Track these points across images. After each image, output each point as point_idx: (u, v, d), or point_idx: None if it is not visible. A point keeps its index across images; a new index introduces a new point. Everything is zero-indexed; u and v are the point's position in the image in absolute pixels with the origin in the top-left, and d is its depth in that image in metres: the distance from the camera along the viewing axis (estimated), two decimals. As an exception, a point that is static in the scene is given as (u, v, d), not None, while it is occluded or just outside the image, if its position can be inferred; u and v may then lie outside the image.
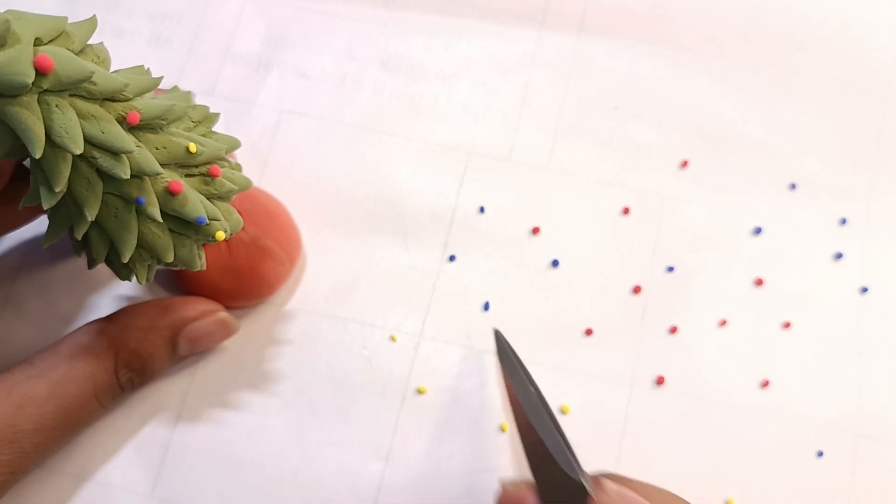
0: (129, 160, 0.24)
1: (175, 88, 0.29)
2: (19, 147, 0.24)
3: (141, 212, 0.26)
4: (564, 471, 0.25)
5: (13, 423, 0.28)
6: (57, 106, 0.23)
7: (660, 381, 0.36)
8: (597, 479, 0.25)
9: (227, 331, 0.34)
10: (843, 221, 0.39)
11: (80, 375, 0.30)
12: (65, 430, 0.30)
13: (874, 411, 0.36)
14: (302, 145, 0.39)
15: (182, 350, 0.33)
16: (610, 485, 0.25)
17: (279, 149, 0.39)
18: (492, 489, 0.34)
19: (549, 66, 0.41)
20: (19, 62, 0.21)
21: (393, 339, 0.36)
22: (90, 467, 0.34)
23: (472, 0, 0.42)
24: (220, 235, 0.27)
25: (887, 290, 0.38)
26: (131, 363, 0.32)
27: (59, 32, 0.23)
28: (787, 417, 0.36)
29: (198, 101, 0.39)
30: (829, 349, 0.37)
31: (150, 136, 0.26)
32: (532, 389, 0.29)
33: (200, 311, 0.33)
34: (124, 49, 0.40)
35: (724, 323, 0.37)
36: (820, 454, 0.35)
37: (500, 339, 0.32)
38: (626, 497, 0.24)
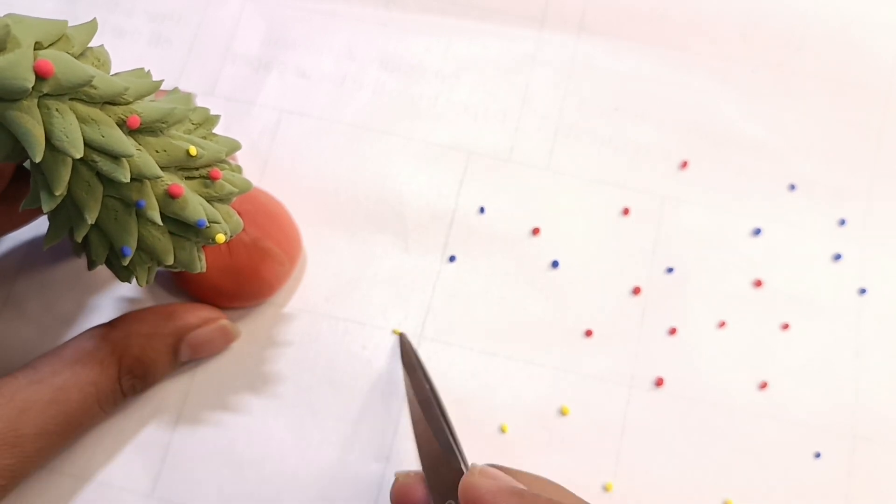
0: (129, 163, 0.24)
1: (176, 90, 0.29)
2: (19, 150, 0.24)
3: (141, 215, 0.26)
4: (442, 449, 0.28)
5: (16, 427, 0.28)
6: (57, 110, 0.23)
7: (659, 382, 0.36)
8: (474, 466, 0.27)
9: (228, 338, 0.35)
10: (842, 222, 0.39)
11: (83, 381, 0.30)
12: (67, 434, 0.30)
13: (871, 413, 0.36)
14: (302, 145, 0.39)
15: (183, 357, 0.34)
16: (478, 466, 0.26)
17: (279, 149, 0.39)
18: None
19: (549, 66, 0.41)
20: (19, 66, 0.21)
21: (395, 332, 0.36)
22: (91, 468, 0.34)
23: (472, 0, 0.42)
24: (220, 238, 0.27)
25: (885, 292, 0.38)
26: (134, 370, 0.32)
27: (59, 36, 0.23)
28: (785, 418, 0.36)
29: (198, 101, 0.39)
30: (826, 350, 0.37)
31: (151, 139, 0.26)
32: (427, 387, 0.32)
33: (203, 319, 0.34)
34: (124, 49, 0.40)
35: (722, 324, 0.37)
36: (817, 455, 0.35)
37: (404, 342, 0.35)
38: (489, 473, 0.25)
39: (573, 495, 0.27)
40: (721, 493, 0.35)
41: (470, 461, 0.28)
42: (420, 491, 0.28)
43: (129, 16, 0.41)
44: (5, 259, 0.36)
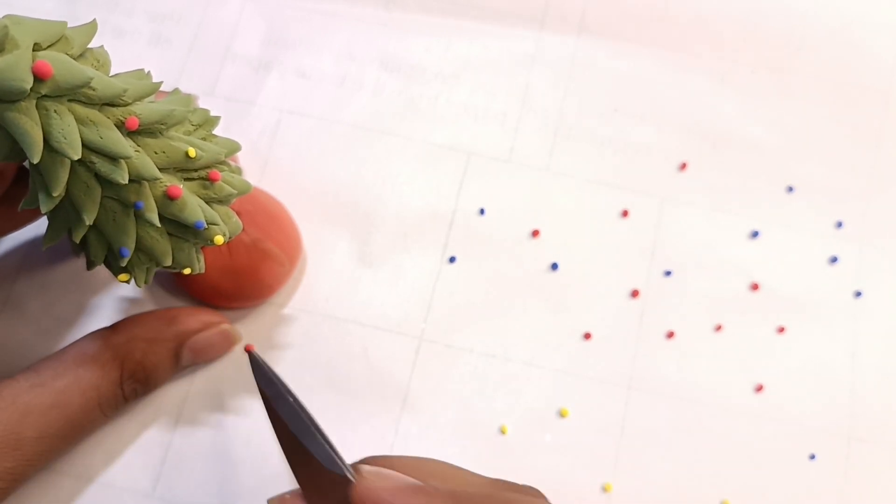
0: (128, 165, 0.24)
1: (176, 91, 0.29)
2: (17, 151, 0.24)
3: (139, 216, 0.26)
4: (324, 466, 0.26)
5: (17, 430, 0.28)
6: (55, 111, 0.23)
7: (652, 385, 0.36)
8: (356, 465, 0.26)
9: (229, 342, 0.35)
10: (839, 224, 0.39)
11: (85, 386, 0.30)
12: (68, 438, 0.30)
13: (867, 414, 0.36)
14: (302, 145, 0.39)
15: (185, 361, 0.34)
16: (366, 468, 0.25)
17: (279, 149, 0.39)
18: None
19: (549, 67, 0.41)
20: (17, 68, 0.21)
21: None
22: (91, 468, 0.34)
23: (472, 0, 0.42)
24: (219, 240, 0.27)
25: (881, 294, 0.38)
26: (136, 374, 0.32)
27: (58, 37, 0.23)
28: (781, 420, 0.36)
29: (198, 101, 0.39)
30: (822, 353, 0.37)
31: (149, 140, 0.26)
32: (290, 398, 0.28)
33: (204, 323, 0.34)
34: (124, 49, 0.40)
35: (719, 328, 0.37)
36: (813, 457, 0.35)
37: (254, 358, 0.30)
38: (383, 475, 0.25)
39: (462, 471, 0.27)
40: (718, 495, 0.35)
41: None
42: None
43: (129, 16, 0.41)
44: (5, 259, 0.36)
